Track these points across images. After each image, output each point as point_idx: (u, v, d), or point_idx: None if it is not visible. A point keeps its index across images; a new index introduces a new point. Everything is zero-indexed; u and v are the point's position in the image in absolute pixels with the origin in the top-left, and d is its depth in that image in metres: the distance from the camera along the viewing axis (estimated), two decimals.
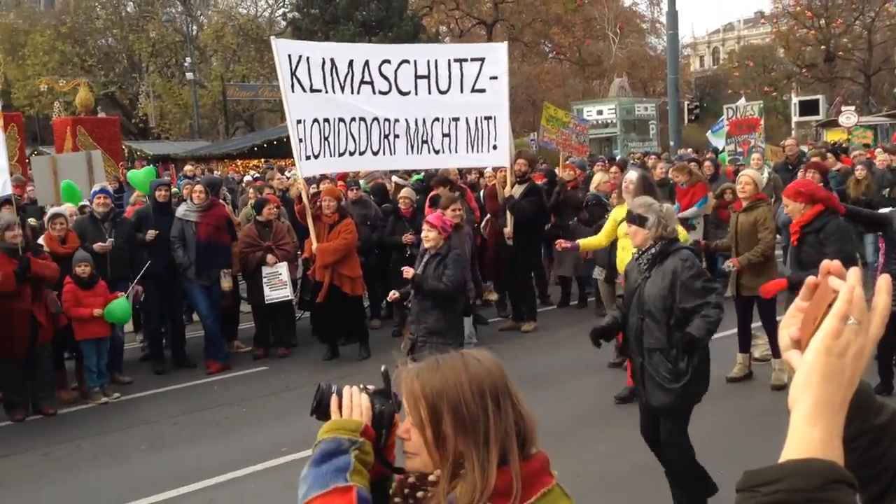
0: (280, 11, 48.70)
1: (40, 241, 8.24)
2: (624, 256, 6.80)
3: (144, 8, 45.27)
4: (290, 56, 8.89)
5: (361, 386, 1.73)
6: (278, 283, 9.30)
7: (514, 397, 1.61)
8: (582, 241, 7.94)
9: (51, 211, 8.57)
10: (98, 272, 8.18)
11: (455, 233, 7.53)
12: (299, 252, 9.95)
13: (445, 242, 6.43)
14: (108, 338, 8.27)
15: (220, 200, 10.27)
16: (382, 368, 1.74)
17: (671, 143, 23.96)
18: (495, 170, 10.74)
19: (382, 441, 1.68)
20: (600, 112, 36.39)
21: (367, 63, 9.34)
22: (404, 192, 10.35)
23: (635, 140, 35.86)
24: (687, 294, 4.53)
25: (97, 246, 8.46)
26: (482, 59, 9.69)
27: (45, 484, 6.22)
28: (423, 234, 6.55)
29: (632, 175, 7.10)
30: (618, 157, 19.03)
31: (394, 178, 12.23)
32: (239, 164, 27.96)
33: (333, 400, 1.70)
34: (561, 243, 7.82)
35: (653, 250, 4.70)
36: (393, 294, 6.87)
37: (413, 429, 1.60)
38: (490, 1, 48.62)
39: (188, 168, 18.44)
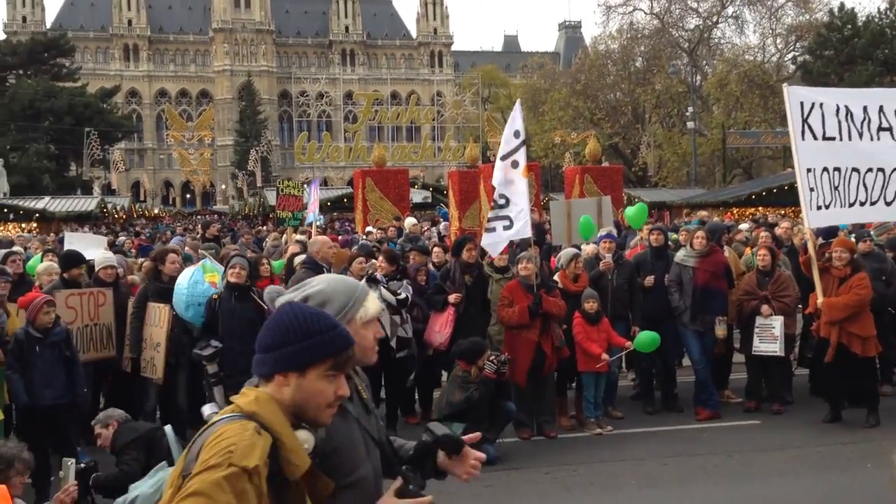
0: (789, 56, 46.94)
1: (555, 277, 9.09)
2: None
3: (652, 62, 47.25)
4: (801, 103, 8.54)
5: None
6: (769, 336, 8.91)
7: None
8: None
9: (569, 251, 9.39)
10: (601, 310, 8.75)
11: None
12: (800, 306, 9.43)
13: None
14: (606, 373, 8.77)
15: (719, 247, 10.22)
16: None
17: None
18: None
19: None
20: None
21: (881, 108, 8.62)
22: None
23: None
24: None
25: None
26: None
27: (549, 501, 6.80)
28: None
29: None
30: None
31: None
32: (735, 211, 27.53)
33: None
34: None
35: None
36: None
37: None
38: None
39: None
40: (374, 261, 8.96)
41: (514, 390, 8.19)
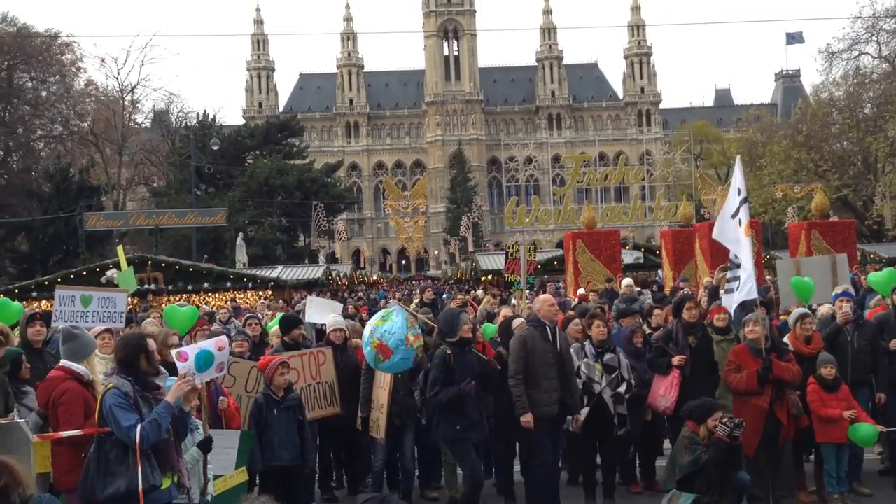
0: None
1: (785, 339, 8.51)
2: None
3: (883, 108, 44.02)
4: None
5: None
6: None
7: None
8: None
9: (798, 311, 8.78)
10: (840, 375, 8.05)
11: None
12: None
13: None
14: (849, 444, 8.01)
15: None
16: None
17: None
18: None
19: None
20: None
21: None
22: None
23: None
24: None
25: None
26: None
27: None
28: None
29: None
30: None
31: None
32: None
33: None
34: None
35: None
36: None
37: None
38: None
39: None
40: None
41: (748, 460, 7.67)
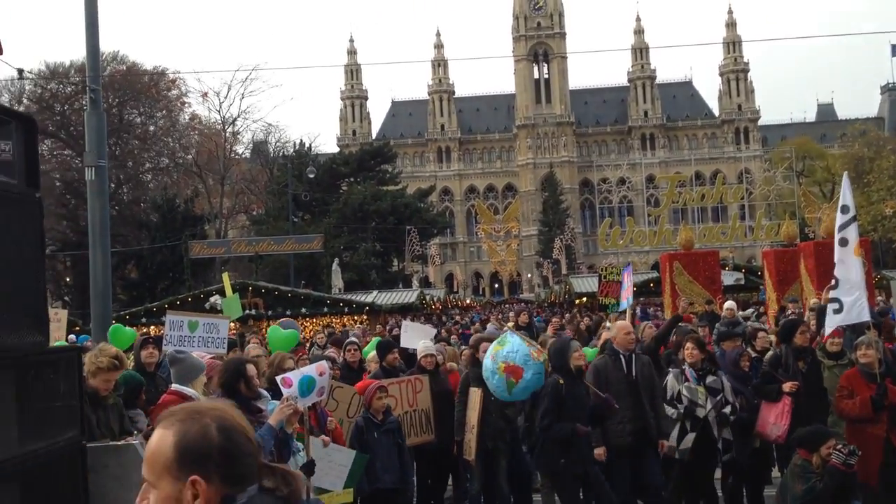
0: None
1: None
2: None
3: None
4: None
5: None
6: None
7: None
8: None
9: None
10: None
11: None
12: None
13: None
14: None
15: None
16: None
17: None
18: None
19: None
20: None
21: None
22: None
23: None
24: None
25: None
26: None
27: None
28: None
29: None
30: None
31: None
32: None
33: None
34: None
35: None
36: None
37: None
38: None
39: None
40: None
41: (865, 488, 7.30)
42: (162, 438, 1.90)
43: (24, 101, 50.72)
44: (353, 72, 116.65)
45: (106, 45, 57.74)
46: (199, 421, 1.91)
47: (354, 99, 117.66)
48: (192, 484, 1.85)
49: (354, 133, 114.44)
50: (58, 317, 14.69)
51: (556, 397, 7.36)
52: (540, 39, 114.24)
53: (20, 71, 16.62)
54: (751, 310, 19.96)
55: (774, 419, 8.09)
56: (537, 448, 7.55)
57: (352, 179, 64.90)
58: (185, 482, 1.85)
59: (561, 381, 7.41)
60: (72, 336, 18.77)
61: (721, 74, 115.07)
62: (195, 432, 1.89)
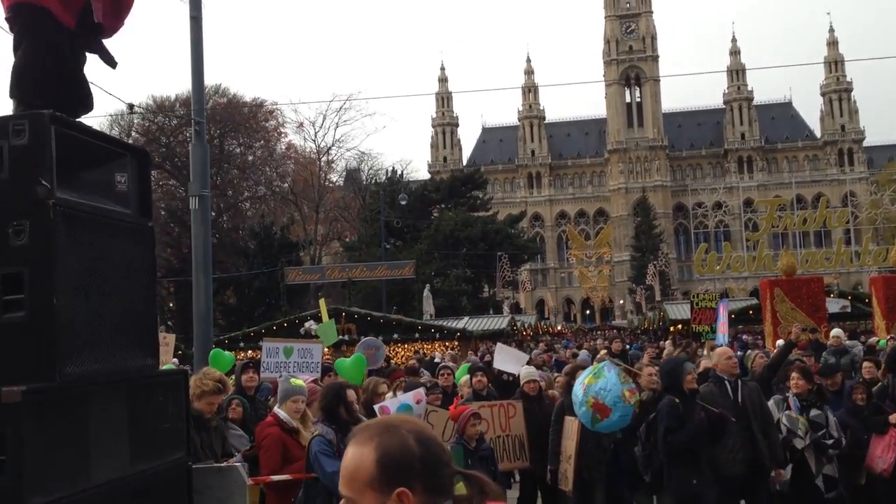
0: None
1: None
2: None
3: None
4: None
5: None
6: None
7: None
8: None
9: None
10: None
11: None
12: None
13: None
14: None
15: None
16: None
17: None
18: None
19: None
20: None
21: None
22: None
23: None
24: None
25: None
26: None
27: None
28: None
29: None
30: None
31: None
32: None
33: None
34: None
35: None
36: None
37: None
38: None
39: None
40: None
41: None
42: (360, 454, 1.87)
43: (133, 133, 53.25)
44: (444, 99, 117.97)
45: (208, 79, 60.11)
46: (397, 433, 1.88)
47: (445, 126, 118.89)
48: (399, 496, 1.82)
49: (445, 160, 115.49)
50: (166, 341, 15.23)
51: (676, 415, 7.09)
52: (632, 63, 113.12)
53: (130, 106, 17.44)
54: (856, 342, 19.12)
55: (881, 452, 7.72)
56: (665, 474, 7.28)
57: (443, 206, 65.41)
58: (388, 496, 1.83)
59: (677, 401, 7.17)
60: (174, 359, 19.42)
61: (823, 94, 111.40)
62: (395, 444, 1.86)
